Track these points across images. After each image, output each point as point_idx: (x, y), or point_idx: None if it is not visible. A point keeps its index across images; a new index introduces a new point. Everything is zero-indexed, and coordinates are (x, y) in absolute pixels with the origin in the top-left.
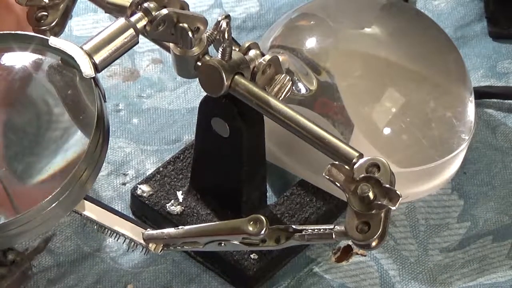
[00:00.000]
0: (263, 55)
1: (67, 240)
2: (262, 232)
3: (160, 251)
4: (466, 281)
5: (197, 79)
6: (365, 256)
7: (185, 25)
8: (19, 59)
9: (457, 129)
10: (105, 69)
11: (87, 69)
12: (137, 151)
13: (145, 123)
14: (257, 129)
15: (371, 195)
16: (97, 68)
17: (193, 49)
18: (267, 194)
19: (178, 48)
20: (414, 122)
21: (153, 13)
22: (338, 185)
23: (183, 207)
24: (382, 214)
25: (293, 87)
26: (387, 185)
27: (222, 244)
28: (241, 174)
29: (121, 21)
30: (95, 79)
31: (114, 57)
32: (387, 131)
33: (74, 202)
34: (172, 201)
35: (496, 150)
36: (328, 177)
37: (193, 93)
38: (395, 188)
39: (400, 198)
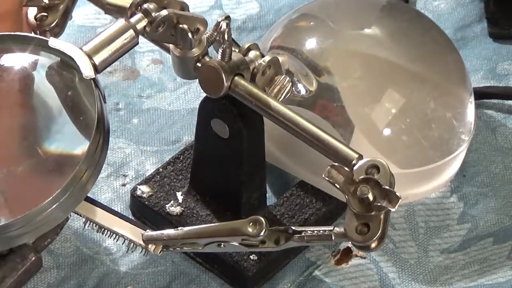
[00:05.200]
0: (263, 56)
1: (67, 242)
2: (262, 233)
3: (160, 252)
4: (466, 282)
5: (197, 80)
6: (364, 258)
7: (185, 26)
8: (19, 60)
9: (457, 130)
10: None
11: (87, 70)
12: (137, 151)
13: (145, 124)
14: (256, 130)
15: (370, 196)
16: (96, 69)
17: (193, 50)
18: (267, 195)
19: (178, 49)
20: (414, 123)
21: (153, 14)
22: (338, 186)
23: (182, 208)
24: (382, 216)
25: (293, 88)
26: (387, 187)
27: (222, 245)
28: (240, 175)
29: (121, 22)
30: (95, 80)
31: (114, 58)
32: (387, 132)
33: (75, 204)
34: (172, 201)
35: (496, 151)
36: (327, 179)
37: (193, 94)
38: (395, 189)
39: (400, 200)
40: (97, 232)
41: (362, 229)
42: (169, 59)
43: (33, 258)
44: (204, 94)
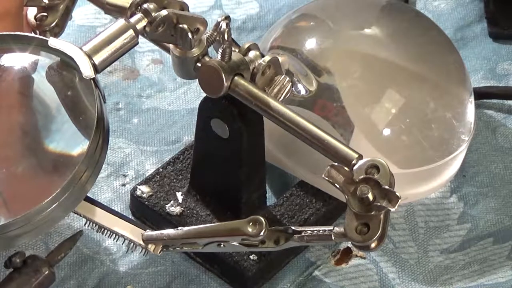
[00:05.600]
0: (262, 56)
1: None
2: (262, 233)
3: (160, 252)
4: (466, 282)
5: (197, 80)
6: (364, 258)
7: (185, 26)
8: (19, 60)
9: (457, 130)
10: None
11: (86, 70)
12: (136, 151)
13: (145, 124)
14: (256, 130)
15: (370, 196)
16: (96, 69)
17: (192, 50)
18: (267, 195)
19: (178, 49)
20: (414, 123)
21: (153, 14)
22: (338, 186)
23: (182, 208)
24: (382, 216)
25: (293, 88)
26: (387, 187)
27: (222, 245)
28: (240, 175)
29: (121, 22)
30: (95, 80)
31: (113, 58)
32: (387, 132)
33: (74, 203)
34: (172, 201)
35: (496, 151)
36: (327, 179)
37: (193, 94)
38: (395, 189)
39: (400, 200)
40: (97, 232)
41: (362, 229)
42: (169, 59)
43: (46, 272)
44: (204, 94)
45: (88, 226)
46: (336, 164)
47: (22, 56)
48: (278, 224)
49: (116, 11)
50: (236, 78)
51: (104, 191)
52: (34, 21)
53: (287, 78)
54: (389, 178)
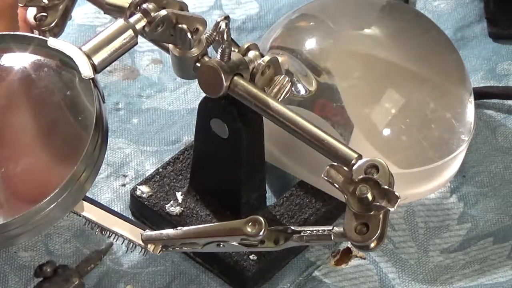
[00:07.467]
0: (262, 56)
1: (66, 243)
2: (261, 233)
3: (159, 252)
4: (467, 282)
5: (197, 80)
6: (364, 259)
7: (184, 26)
8: (18, 60)
9: (457, 130)
10: None
11: (86, 70)
12: (136, 152)
13: (145, 124)
14: (256, 130)
15: (369, 196)
16: (95, 69)
17: (192, 50)
18: (267, 195)
19: (177, 49)
20: (413, 123)
21: (152, 14)
22: (337, 186)
23: (182, 208)
24: (381, 216)
25: (293, 88)
26: (386, 187)
27: (221, 245)
28: (240, 175)
29: (120, 22)
30: (94, 80)
31: (113, 58)
32: (386, 132)
33: (73, 203)
34: (172, 202)
35: (496, 151)
36: (326, 179)
37: (192, 94)
38: (394, 189)
39: (399, 200)
40: (96, 233)
41: (361, 228)
42: (169, 59)
43: (77, 282)
44: (204, 94)
45: (88, 226)
46: (335, 164)
47: (21, 56)
48: (277, 224)
49: (116, 11)
50: (235, 78)
51: (104, 192)
52: (34, 21)
53: (287, 78)
54: (388, 178)
